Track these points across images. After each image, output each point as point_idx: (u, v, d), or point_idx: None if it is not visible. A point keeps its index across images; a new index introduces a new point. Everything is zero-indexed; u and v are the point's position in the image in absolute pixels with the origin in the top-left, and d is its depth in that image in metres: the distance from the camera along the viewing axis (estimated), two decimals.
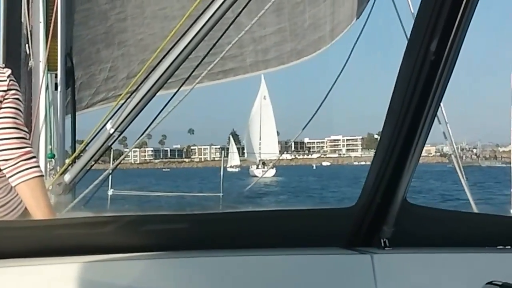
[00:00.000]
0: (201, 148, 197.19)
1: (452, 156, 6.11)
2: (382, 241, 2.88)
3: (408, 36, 2.61)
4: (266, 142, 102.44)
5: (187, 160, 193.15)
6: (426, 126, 2.65)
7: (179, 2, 6.77)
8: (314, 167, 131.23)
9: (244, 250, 2.68)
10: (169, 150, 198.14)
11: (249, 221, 2.88)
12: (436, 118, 5.35)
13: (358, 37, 7.85)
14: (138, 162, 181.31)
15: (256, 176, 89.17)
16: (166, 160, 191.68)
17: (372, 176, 2.81)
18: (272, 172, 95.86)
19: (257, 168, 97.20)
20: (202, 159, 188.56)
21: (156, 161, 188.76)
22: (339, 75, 8.03)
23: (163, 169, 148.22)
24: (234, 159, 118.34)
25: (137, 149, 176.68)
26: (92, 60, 7.21)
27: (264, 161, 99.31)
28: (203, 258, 2.60)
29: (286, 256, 2.72)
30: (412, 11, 5.88)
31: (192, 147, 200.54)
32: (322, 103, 8.08)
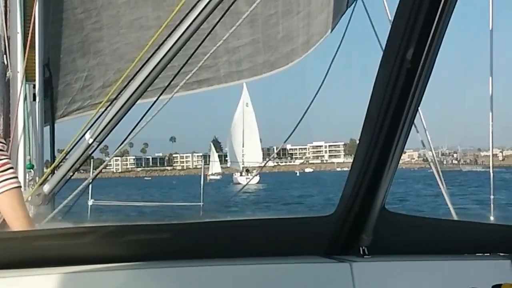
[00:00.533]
0: (183, 156, 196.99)
1: (431, 164, 6.13)
2: (361, 249, 2.88)
3: (383, 46, 2.61)
4: (249, 149, 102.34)
5: (169, 168, 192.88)
6: (404, 134, 2.65)
7: (154, 12, 6.77)
8: (298, 174, 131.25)
9: (224, 260, 2.68)
10: (151, 158, 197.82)
11: (228, 230, 2.88)
12: (414, 126, 5.39)
13: (340, 44, 7.88)
14: (120, 170, 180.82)
15: (240, 184, 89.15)
16: (148, 168, 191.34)
17: (350, 184, 2.82)
18: (256, 179, 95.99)
19: (241, 175, 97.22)
20: (185, 167, 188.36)
21: (138, 169, 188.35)
22: (322, 83, 8.04)
23: (145, 178, 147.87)
24: (215, 167, 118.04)
25: (119, 158, 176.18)
26: (68, 69, 7.18)
27: (248, 168, 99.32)
28: (183, 268, 2.59)
29: (266, 265, 2.72)
30: (390, 19, 5.89)
31: (174, 155, 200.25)
32: (306, 112, 8.05)
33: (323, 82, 7.99)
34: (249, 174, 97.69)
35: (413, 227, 3.04)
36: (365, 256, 2.87)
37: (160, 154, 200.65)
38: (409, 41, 2.47)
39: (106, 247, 2.55)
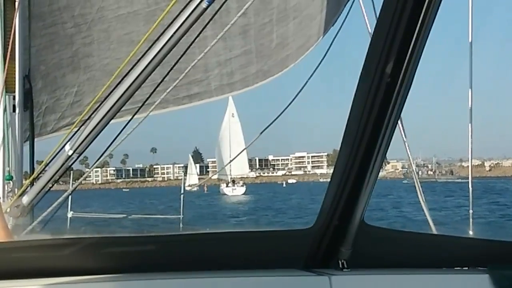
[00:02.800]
0: (164, 167, 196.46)
1: (414, 174, 6.18)
2: (340, 262, 2.88)
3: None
4: (235, 160, 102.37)
5: (150, 179, 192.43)
6: (383, 147, 2.66)
7: (145, 26, 6.75)
8: (284, 185, 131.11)
9: (203, 272, 2.68)
10: (131, 170, 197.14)
11: (208, 242, 2.88)
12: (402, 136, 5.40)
13: (326, 53, 7.90)
14: (100, 182, 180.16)
15: (226, 195, 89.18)
16: (129, 179, 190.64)
17: (330, 197, 2.82)
18: (242, 190, 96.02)
19: (227, 186, 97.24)
20: (165, 178, 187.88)
21: (119, 180, 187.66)
22: (300, 90, 8.02)
23: (123, 189, 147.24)
24: (192, 178, 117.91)
25: (99, 169, 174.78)
26: (57, 85, 7.14)
27: (234, 179, 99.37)
28: (162, 280, 2.59)
29: (245, 278, 2.72)
30: (370, 31, 5.92)
31: (155, 166, 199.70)
32: (277, 117, 7.99)
33: (300, 90, 7.97)
34: (235, 185, 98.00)
35: (392, 240, 3.04)
36: (344, 269, 2.87)
37: (141, 165, 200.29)
38: (388, 55, 2.48)
39: (85, 259, 2.54)
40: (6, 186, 6.21)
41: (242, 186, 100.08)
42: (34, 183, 5.88)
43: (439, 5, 2.41)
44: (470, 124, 5.33)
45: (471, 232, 5.36)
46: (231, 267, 2.75)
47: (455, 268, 3.09)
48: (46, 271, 2.45)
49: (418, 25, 2.42)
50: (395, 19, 2.43)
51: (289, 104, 8.01)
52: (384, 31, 2.47)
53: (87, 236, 2.66)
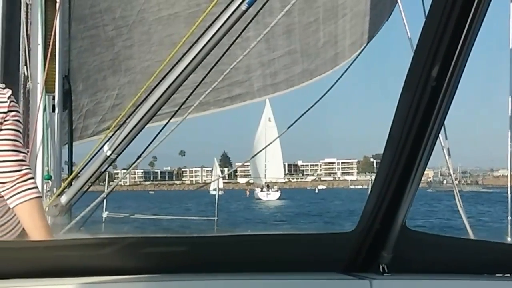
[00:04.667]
0: (192, 170, 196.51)
1: (452, 182, 6.13)
2: (380, 266, 2.87)
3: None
4: (271, 165, 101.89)
5: (178, 182, 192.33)
6: (426, 152, 2.65)
7: (186, 28, 6.76)
8: (316, 191, 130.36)
9: (241, 274, 2.68)
10: (159, 172, 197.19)
11: (246, 245, 2.87)
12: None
13: (356, 57, 7.85)
14: (128, 184, 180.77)
15: (260, 199, 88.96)
16: (157, 182, 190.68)
17: (372, 201, 2.81)
18: (277, 195, 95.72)
19: (261, 191, 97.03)
20: (194, 182, 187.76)
21: (146, 183, 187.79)
22: (327, 91, 7.98)
23: (149, 192, 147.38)
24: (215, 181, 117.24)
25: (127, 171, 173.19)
26: (98, 87, 7.17)
27: (269, 184, 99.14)
28: (199, 281, 2.59)
29: (285, 281, 2.72)
30: (409, 37, 5.88)
31: (183, 169, 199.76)
32: (305, 112, 7.84)
33: (328, 90, 7.91)
34: (270, 190, 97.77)
35: (434, 245, 3.02)
36: (384, 274, 2.86)
37: (169, 168, 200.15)
38: (434, 58, 2.47)
39: (122, 259, 2.55)
40: (45, 186, 6.28)
41: (277, 191, 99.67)
42: (72, 183, 5.95)
43: (487, 9, 2.39)
44: (510, 132, 5.27)
45: (509, 239, 5.32)
46: (270, 269, 2.75)
47: (496, 274, 3.07)
48: (84, 270, 2.47)
49: (465, 28, 2.41)
50: (443, 22, 2.42)
51: (317, 102, 7.91)
52: (431, 35, 2.46)
53: (125, 236, 2.68)
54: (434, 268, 2.97)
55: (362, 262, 2.91)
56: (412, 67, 2.56)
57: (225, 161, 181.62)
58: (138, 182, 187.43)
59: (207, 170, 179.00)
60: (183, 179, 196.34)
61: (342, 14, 7.87)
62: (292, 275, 2.75)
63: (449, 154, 5.81)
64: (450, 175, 6.42)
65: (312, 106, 7.78)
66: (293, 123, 7.83)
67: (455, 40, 2.43)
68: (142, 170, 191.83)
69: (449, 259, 3.02)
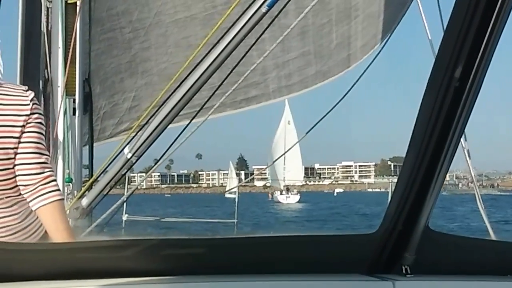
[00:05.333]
0: (209, 173, 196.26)
1: (474, 185, 6.11)
2: (403, 268, 2.86)
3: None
4: (290, 168, 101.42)
5: (194, 185, 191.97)
6: (449, 153, 2.64)
7: (202, 30, 6.78)
8: (335, 194, 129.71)
9: (263, 276, 2.68)
10: (176, 175, 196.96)
11: (268, 246, 2.86)
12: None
13: (372, 60, 7.83)
14: (144, 187, 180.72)
15: (280, 202, 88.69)
16: (173, 185, 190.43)
17: (395, 202, 2.81)
18: (296, 198, 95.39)
19: (281, 194, 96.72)
20: (210, 185, 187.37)
21: (163, 186, 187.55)
22: (345, 94, 7.94)
23: (165, 195, 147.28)
24: (233, 184, 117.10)
25: (143, 174, 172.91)
26: (115, 89, 7.21)
27: (289, 187, 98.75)
28: (219, 283, 2.60)
29: (307, 282, 2.72)
30: (430, 38, 5.86)
31: (200, 172, 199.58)
32: (325, 115, 7.79)
33: (345, 94, 7.86)
34: (289, 193, 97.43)
35: (457, 246, 3.01)
36: (407, 275, 2.85)
37: (185, 171, 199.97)
38: (458, 58, 2.46)
39: (144, 261, 2.56)
40: (66, 188, 6.30)
41: (296, 194, 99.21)
42: (93, 186, 5.97)
43: (511, 9, 2.39)
44: None
45: None
46: (292, 270, 2.75)
47: None
48: (106, 272, 2.48)
49: (489, 28, 2.40)
50: (466, 22, 2.42)
51: (336, 105, 7.88)
52: (454, 35, 2.46)
53: (145, 238, 2.69)
54: (458, 269, 2.96)
55: (385, 264, 2.90)
56: (435, 67, 2.56)
57: (241, 164, 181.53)
58: (154, 186, 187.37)
59: (223, 174, 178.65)
60: (200, 182, 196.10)
61: (355, 15, 7.86)
62: (314, 276, 2.75)
63: (469, 156, 5.79)
64: (472, 177, 6.39)
65: (331, 109, 7.76)
66: (312, 127, 7.84)
67: (478, 40, 2.43)
68: (158, 173, 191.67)
69: (473, 260, 3.01)
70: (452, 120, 2.57)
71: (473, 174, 6.35)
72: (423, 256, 2.86)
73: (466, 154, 5.81)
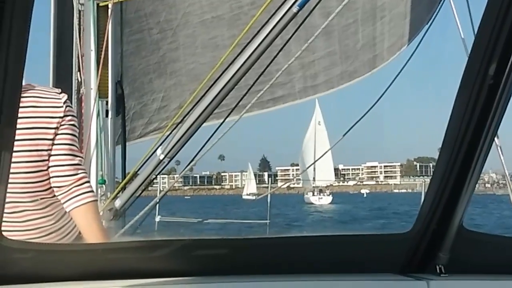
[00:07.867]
0: (232, 175, 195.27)
1: (508, 183, 6.07)
2: (437, 267, 2.85)
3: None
4: (321, 169, 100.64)
5: (217, 187, 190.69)
6: (483, 152, 2.63)
7: (229, 31, 6.82)
8: (365, 195, 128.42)
9: (295, 275, 2.68)
10: (198, 177, 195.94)
11: (300, 246, 2.87)
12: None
13: (406, 62, 7.78)
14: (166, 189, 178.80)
15: (312, 204, 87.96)
16: (196, 187, 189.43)
17: (428, 201, 2.80)
18: (329, 199, 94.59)
19: (313, 195, 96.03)
20: (233, 186, 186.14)
21: (185, 188, 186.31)
22: (381, 96, 7.89)
23: (185, 197, 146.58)
24: (251, 186, 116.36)
25: (166, 176, 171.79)
26: (144, 90, 7.27)
27: (321, 188, 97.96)
28: (251, 283, 2.61)
29: (341, 282, 2.72)
30: (463, 36, 5.80)
31: (222, 174, 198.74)
32: (360, 118, 7.74)
33: (380, 97, 7.80)
34: (322, 194, 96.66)
35: (491, 246, 3.00)
36: (441, 275, 2.84)
37: (208, 173, 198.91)
38: (491, 56, 2.45)
39: (176, 261, 2.58)
40: (99, 190, 6.34)
41: (329, 195, 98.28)
42: (126, 187, 6.01)
43: None
44: None
45: None
46: (325, 270, 2.75)
47: None
48: (139, 272, 2.50)
49: None
50: (499, 19, 2.41)
51: (371, 108, 7.84)
52: (488, 32, 2.45)
53: (177, 239, 2.70)
54: (492, 268, 2.94)
55: (419, 263, 2.90)
56: (469, 65, 2.55)
57: (264, 165, 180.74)
58: (177, 187, 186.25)
59: (246, 175, 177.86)
60: (223, 183, 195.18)
61: (381, 16, 7.83)
62: (348, 276, 2.75)
63: (502, 153, 5.74)
64: (505, 175, 6.33)
65: (367, 112, 7.74)
66: (349, 130, 7.81)
67: None
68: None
69: (508, 259, 2.99)
70: (487, 118, 2.56)
71: (507, 173, 6.29)
72: (457, 256, 2.85)
73: (499, 151, 5.76)
